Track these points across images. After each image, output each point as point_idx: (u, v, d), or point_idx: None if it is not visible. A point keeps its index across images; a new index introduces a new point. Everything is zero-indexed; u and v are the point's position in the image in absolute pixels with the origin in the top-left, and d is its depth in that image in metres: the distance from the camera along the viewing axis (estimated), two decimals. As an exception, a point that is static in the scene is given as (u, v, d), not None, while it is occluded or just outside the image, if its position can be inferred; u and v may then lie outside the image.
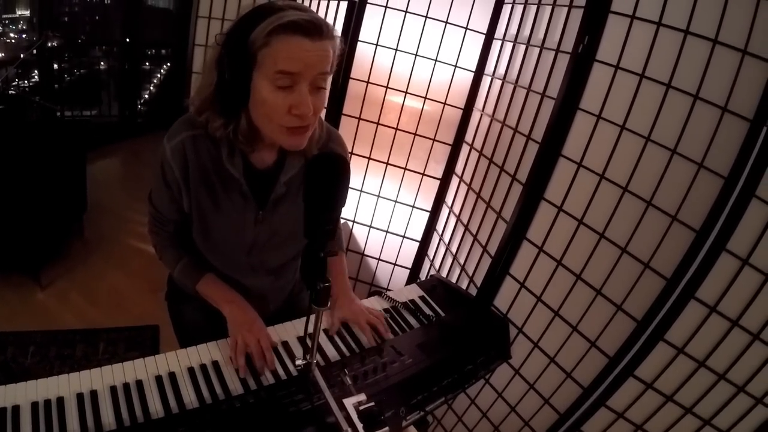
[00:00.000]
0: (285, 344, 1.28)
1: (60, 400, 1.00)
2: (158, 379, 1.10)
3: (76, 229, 3.31)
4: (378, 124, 2.15)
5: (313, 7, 2.31)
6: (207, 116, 1.06)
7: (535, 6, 1.65)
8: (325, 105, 1.06)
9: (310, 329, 0.98)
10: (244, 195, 1.16)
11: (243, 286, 1.32)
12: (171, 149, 1.10)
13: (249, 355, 1.18)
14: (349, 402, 0.99)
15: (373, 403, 1.00)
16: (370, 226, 2.34)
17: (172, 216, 1.25)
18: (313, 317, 0.96)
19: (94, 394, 1.03)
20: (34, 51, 4.24)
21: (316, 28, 0.93)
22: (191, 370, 1.14)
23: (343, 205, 0.93)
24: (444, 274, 2.08)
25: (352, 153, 2.20)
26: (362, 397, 1.00)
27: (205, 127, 1.08)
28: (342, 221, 2.35)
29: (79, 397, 1.01)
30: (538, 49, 1.60)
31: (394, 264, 2.38)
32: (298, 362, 1.08)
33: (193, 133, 1.10)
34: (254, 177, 1.16)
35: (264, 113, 1.00)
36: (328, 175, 0.88)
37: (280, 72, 0.94)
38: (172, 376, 1.12)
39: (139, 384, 1.08)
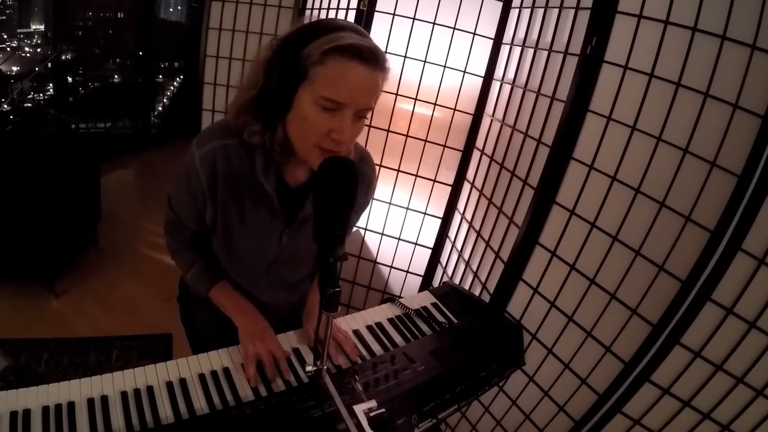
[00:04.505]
0: (296, 351, 1.27)
1: (71, 405, 1.00)
2: (169, 385, 1.10)
3: (90, 239, 3.36)
4: (388, 131, 2.15)
5: (323, 16, 2.33)
6: (244, 120, 1.02)
7: (542, 9, 1.65)
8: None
9: (321, 335, 0.97)
10: (273, 211, 1.13)
11: (257, 300, 1.31)
12: (200, 157, 1.06)
13: (261, 363, 1.18)
14: (360, 409, 0.97)
15: (383, 410, 0.99)
16: (383, 234, 2.33)
17: (191, 225, 1.23)
18: (323, 323, 0.95)
19: (104, 399, 1.03)
20: (49, 64, 4.32)
21: (374, 57, 0.92)
22: (202, 377, 1.14)
23: (352, 210, 0.92)
24: (457, 280, 2.07)
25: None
26: (373, 403, 0.99)
27: (239, 136, 1.05)
28: (354, 229, 2.35)
29: (90, 402, 1.02)
30: (547, 52, 1.60)
31: (407, 271, 2.37)
32: (309, 368, 1.07)
33: (225, 142, 1.06)
34: (285, 194, 1.13)
35: (302, 130, 0.98)
36: (337, 179, 0.88)
37: (327, 98, 0.92)
38: (182, 382, 1.12)
39: (150, 390, 1.08)
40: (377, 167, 2.17)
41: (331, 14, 2.25)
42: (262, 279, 1.27)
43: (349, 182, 0.89)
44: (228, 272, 1.29)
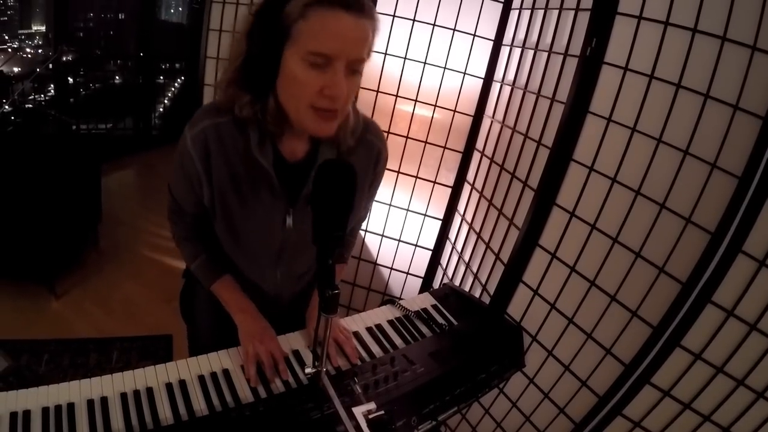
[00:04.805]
0: (295, 353, 1.27)
1: (70, 406, 1.00)
2: (168, 386, 1.10)
3: (91, 240, 3.36)
4: (388, 133, 2.14)
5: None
6: (233, 93, 0.99)
7: (542, 11, 1.65)
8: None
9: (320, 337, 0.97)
10: (273, 190, 1.08)
11: (260, 289, 1.29)
12: (192, 138, 1.04)
13: (260, 364, 1.18)
14: (359, 411, 0.97)
15: (383, 412, 0.99)
16: (383, 235, 2.33)
17: (190, 208, 1.20)
18: (322, 325, 0.95)
19: (104, 400, 1.03)
20: (50, 65, 4.32)
21: (358, 3, 0.88)
22: (201, 378, 1.14)
23: (351, 211, 0.92)
24: (457, 282, 2.07)
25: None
26: (372, 405, 0.99)
27: (230, 114, 1.01)
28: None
29: (90, 403, 1.02)
30: (547, 53, 1.59)
31: (407, 273, 2.37)
32: (308, 370, 1.07)
33: (216, 121, 1.03)
34: (284, 170, 1.07)
35: (293, 92, 0.93)
36: (332, 181, 0.87)
37: (314, 53, 0.88)
38: (182, 383, 1.12)
39: (150, 391, 1.08)
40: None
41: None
42: (269, 267, 1.24)
43: (347, 183, 0.89)
44: (233, 259, 1.25)
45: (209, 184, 1.09)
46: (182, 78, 5.95)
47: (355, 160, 1.00)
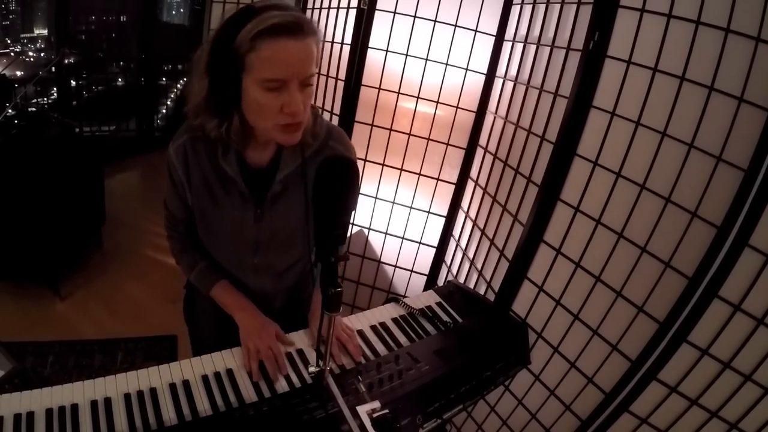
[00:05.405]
0: (299, 351, 1.27)
1: (74, 408, 1.00)
2: (172, 386, 1.10)
3: (94, 241, 3.37)
4: (391, 130, 2.14)
5: (323, 15, 2.33)
6: (202, 119, 1.09)
7: (544, 5, 1.64)
8: (313, 99, 1.09)
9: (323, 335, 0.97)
10: (242, 194, 1.18)
11: (245, 285, 1.33)
12: (174, 150, 1.19)
13: (261, 360, 1.20)
14: (363, 409, 0.97)
15: (387, 411, 0.98)
16: (386, 233, 2.33)
17: (180, 214, 1.29)
18: (325, 323, 0.95)
19: (108, 401, 1.03)
20: (53, 68, 4.33)
21: (298, 27, 0.95)
22: (205, 378, 1.14)
23: (352, 209, 0.93)
24: (461, 279, 2.06)
25: (365, 160, 2.20)
26: (376, 404, 0.99)
27: (202, 130, 1.12)
28: (358, 229, 2.35)
29: (93, 404, 1.02)
30: (549, 48, 1.58)
31: (411, 271, 2.36)
32: (312, 369, 1.07)
33: (192, 136, 1.16)
34: (251, 175, 1.18)
35: (257, 114, 1.03)
36: (336, 180, 0.88)
37: (269, 80, 0.96)
38: (185, 383, 1.12)
39: (153, 391, 1.08)
40: (380, 166, 2.18)
41: (332, 13, 2.25)
42: (249, 265, 1.29)
43: (348, 182, 0.89)
44: (216, 259, 1.32)
45: (189, 188, 1.21)
46: (184, 79, 5.94)
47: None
